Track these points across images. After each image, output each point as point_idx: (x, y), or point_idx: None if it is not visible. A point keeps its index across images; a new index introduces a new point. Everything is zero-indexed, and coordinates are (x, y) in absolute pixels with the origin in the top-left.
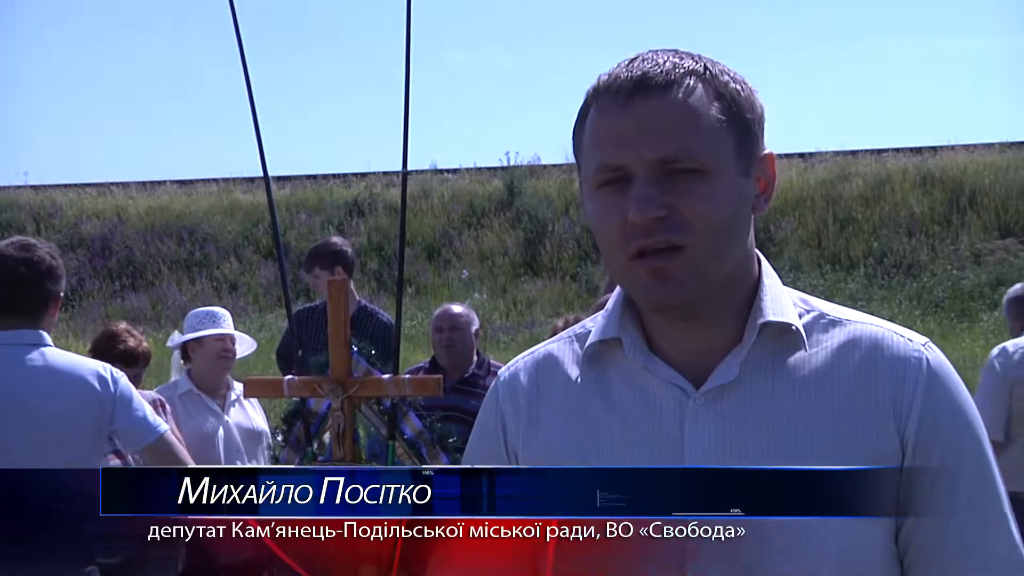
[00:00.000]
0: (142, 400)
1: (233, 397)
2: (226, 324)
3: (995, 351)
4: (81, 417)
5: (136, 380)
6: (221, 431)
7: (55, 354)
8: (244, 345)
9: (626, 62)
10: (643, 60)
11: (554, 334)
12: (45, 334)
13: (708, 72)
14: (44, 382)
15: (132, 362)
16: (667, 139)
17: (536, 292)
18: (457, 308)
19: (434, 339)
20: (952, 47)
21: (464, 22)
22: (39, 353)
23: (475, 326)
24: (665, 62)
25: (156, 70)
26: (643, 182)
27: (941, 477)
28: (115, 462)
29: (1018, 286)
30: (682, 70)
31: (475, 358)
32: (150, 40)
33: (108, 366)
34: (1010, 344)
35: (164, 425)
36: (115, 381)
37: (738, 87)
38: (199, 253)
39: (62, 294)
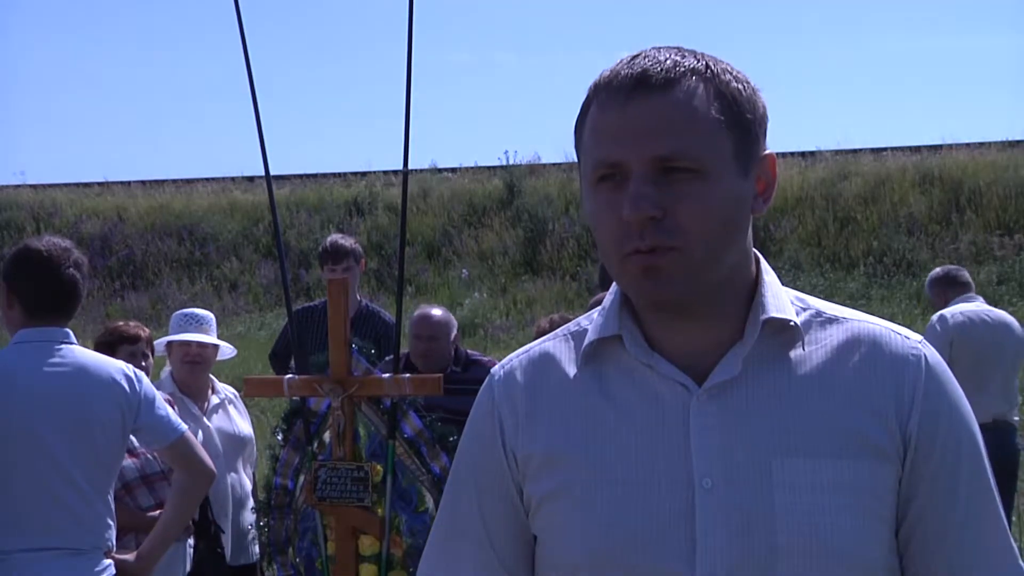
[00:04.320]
0: (163, 400)
1: (216, 402)
2: (202, 328)
3: (935, 317)
4: (111, 413)
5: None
6: (200, 435)
7: (83, 352)
8: (224, 351)
9: (628, 59)
10: (644, 57)
11: (539, 334)
12: (71, 332)
13: (710, 71)
14: (76, 379)
15: (136, 340)
16: (664, 138)
17: (536, 291)
18: (437, 313)
19: (412, 344)
20: (952, 47)
21: (465, 22)
22: (69, 350)
23: (453, 332)
24: (666, 60)
25: (156, 70)
26: (639, 180)
27: (942, 473)
28: (129, 462)
29: (938, 269)
30: (682, 68)
31: (451, 355)
32: (150, 40)
33: (131, 366)
34: (947, 312)
35: (184, 425)
36: (139, 380)
37: (740, 87)
38: (199, 252)
39: None
